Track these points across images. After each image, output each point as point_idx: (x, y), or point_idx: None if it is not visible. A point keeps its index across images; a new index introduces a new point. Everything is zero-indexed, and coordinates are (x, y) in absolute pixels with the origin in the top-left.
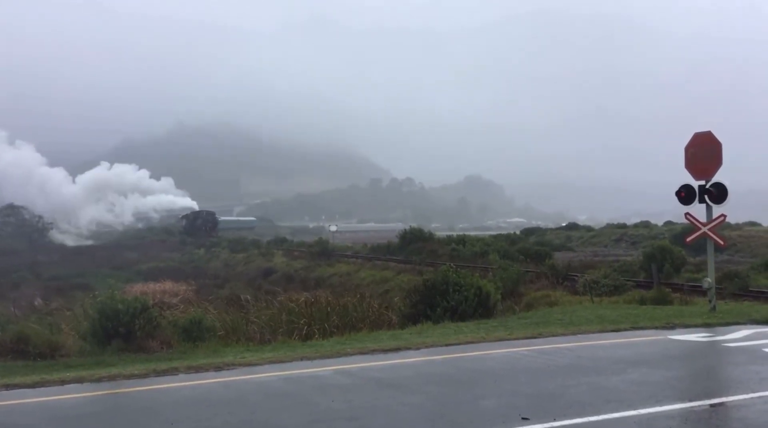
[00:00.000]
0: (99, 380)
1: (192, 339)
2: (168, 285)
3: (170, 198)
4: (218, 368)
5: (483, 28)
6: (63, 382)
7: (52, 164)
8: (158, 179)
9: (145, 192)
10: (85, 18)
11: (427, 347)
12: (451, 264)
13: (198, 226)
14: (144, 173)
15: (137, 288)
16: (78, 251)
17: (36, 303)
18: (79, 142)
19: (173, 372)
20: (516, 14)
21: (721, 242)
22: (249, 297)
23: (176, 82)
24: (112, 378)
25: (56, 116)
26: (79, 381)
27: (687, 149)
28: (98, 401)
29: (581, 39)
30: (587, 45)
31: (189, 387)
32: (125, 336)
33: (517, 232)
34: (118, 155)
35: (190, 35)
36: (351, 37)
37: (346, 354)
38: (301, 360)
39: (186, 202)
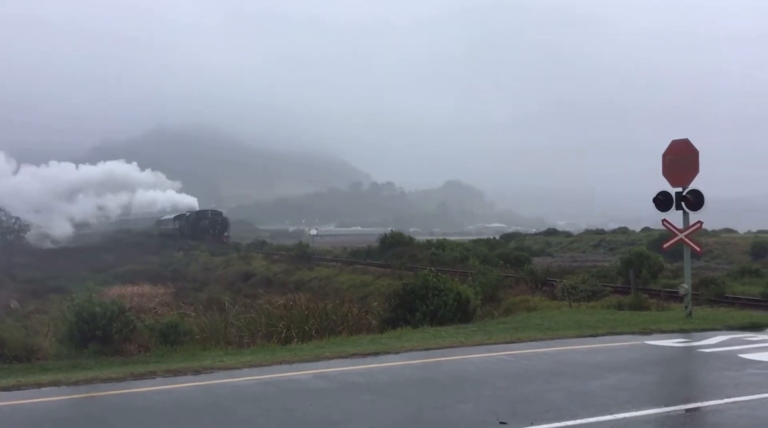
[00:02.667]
0: (76, 383)
1: (170, 343)
2: (146, 288)
3: (168, 195)
4: (196, 371)
5: (437, 19)
6: (39, 385)
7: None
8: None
9: (135, 188)
10: (61, 17)
11: (406, 351)
12: (431, 269)
13: (203, 228)
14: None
15: (115, 291)
16: (55, 253)
17: (12, 306)
18: (53, 142)
19: (151, 375)
20: (472, 7)
21: (698, 249)
22: (228, 301)
23: (155, 84)
24: (89, 382)
25: (30, 117)
26: (56, 384)
27: (664, 156)
28: (75, 404)
29: (539, 33)
30: (548, 39)
31: (166, 390)
32: (102, 339)
33: (497, 237)
34: (94, 159)
35: (165, 36)
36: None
37: (325, 358)
38: (280, 363)
39: (185, 199)
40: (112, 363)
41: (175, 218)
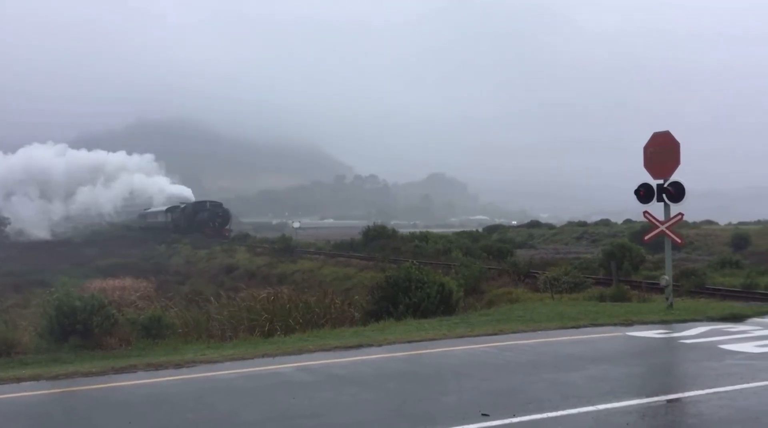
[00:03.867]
0: (56, 377)
1: (151, 337)
2: (127, 282)
3: (159, 184)
4: (178, 365)
5: (424, 15)
6: (19, 380)
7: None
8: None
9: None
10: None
11: (389, 344)
12: (414, 261)
13: (202, 221)
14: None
15: (96, 285)
16: (36, 246)
17: None
18: (28, 137)
19: (132, 369)
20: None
21: (679, 241)
22: (210, 294)
23: (135, 78)
24: (69, 376)
25: (8, 109)
26: (36, 378)
27: (646, 149)
28: (55, 399)
29: (523, 32)
30: (530, 37)
31: (148, 384)
32: (83, 333)
33: (480, 229)
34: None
35: (145, 29)
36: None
37: (308, 351)
38: (263, 357)
39: (179, 190)
40: (92, 357)
41: (168, 210)
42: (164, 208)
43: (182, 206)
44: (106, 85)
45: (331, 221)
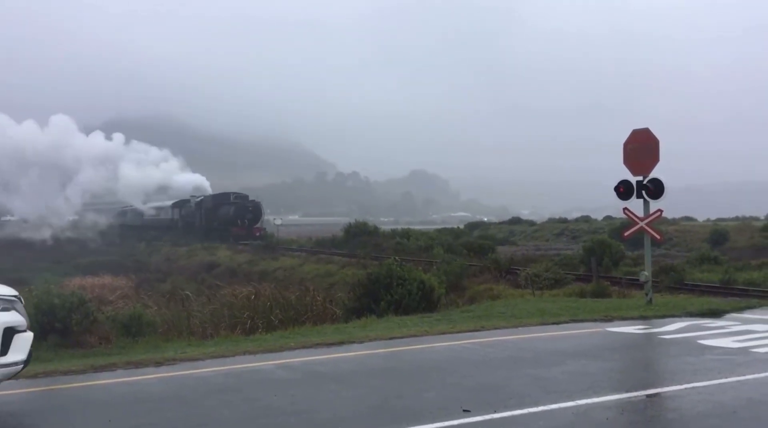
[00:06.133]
0: (35, 376)
1: (132, 335)
2: (107, 280)
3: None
4: (158, 363)
5: (406, 10)
6: None
7: None
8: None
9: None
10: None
11: (370, 340)
12: (396, 258)
13: (225, 218)
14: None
15: (75, 283)
16: (14, 243)
17: None
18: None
19: (111, 367)
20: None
21: (658, 237)
22: (191, 291)
23: (114, 74)
24: (48, 374)
25: None
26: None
27: (625, 146)
28: (34, 398)
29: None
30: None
31: (128, 383)
32: (62, 331)
33: (462, 226)
34: None
35: (126, 26)
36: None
37: (289, 348)
38: (244, 354)
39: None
40: (72, 356)
41: (175, 204)
42: (170, 202)
43: (198, 198)
44: (82, 80)
45: (317, 218)
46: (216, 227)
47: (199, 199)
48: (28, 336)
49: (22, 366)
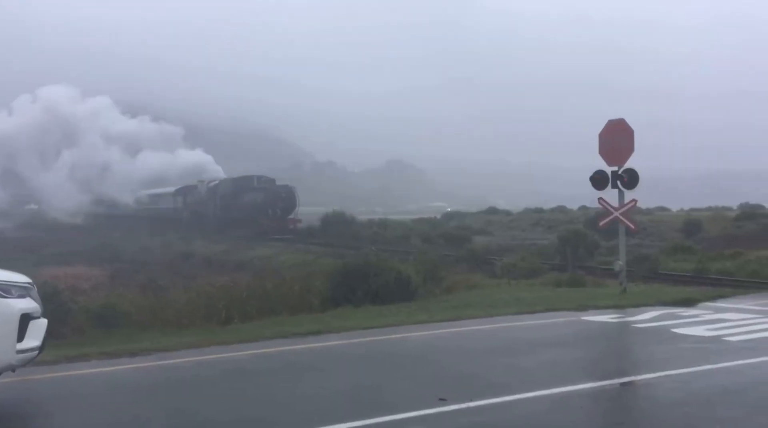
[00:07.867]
0: None
1: (106, 326)
2: (81, 269)
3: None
4: (133, 354)
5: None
6: None
7: None
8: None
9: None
10: None
11: (347, 330)
12: (373, 248)
13: (251, 207)
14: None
15: (47, 273)
16: None
17: None
18: None
19: (85, 358)
20: None
21: (633, 227)
22: (167, 281)
23: (77, 56)
24: None
25: None
26: None
27: (601, 136)
28: (4, 388)
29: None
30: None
31: (102, 373)
32: None
33: (439, 216)
34: None
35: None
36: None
37: (265, 338)
38: (219, 344)
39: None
40: None
41: (177, 191)
42: (172, 190)
43: (211, 183)
44: (48, 63)
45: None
46: (237, 218)
47: (212, 183)
48: (43, 323)
49: (37, 352)
